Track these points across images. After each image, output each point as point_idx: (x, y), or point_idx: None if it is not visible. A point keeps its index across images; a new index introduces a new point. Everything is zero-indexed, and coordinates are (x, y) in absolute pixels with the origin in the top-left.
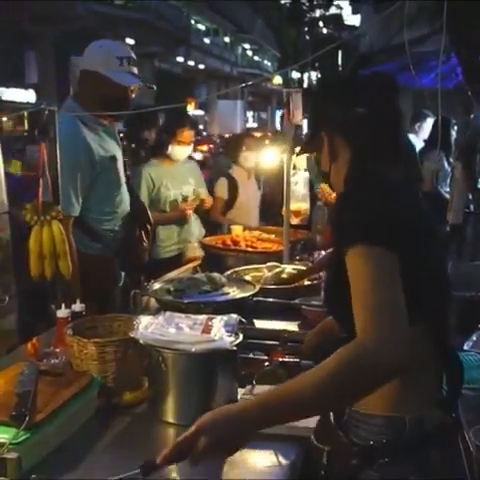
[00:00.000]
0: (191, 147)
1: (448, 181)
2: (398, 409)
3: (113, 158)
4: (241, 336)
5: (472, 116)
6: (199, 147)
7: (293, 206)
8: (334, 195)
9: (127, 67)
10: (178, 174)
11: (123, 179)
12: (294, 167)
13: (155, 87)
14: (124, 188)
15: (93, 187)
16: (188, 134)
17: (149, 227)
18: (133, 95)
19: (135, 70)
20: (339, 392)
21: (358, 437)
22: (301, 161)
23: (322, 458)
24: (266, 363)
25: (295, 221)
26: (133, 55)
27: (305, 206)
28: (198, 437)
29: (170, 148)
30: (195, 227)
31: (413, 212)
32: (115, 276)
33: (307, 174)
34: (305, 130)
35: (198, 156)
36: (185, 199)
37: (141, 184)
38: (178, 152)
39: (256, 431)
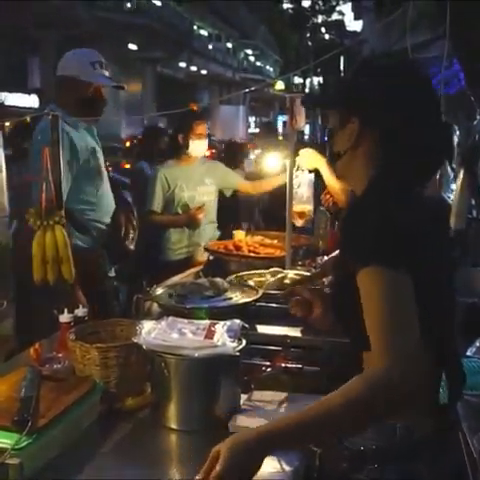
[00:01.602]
0: (207, 141)
1: (451, 186)
2: (390, 416)
3: (94, 150)
4: (244, 341)
5: (475, 122)
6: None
7: (297, 208)
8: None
9: (99, 70)
10: (194, 175)
11: (104, 173)
12: (298, 168)
13: (125, 87)
14: (107, 184)
15: (75, 178)
16: (204, 126)
17: (134, 221)
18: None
19: (107, 73)
20: (356, 418)
21: (350, 442)
22: (304, 162)
23: (315, 460)
24: (268, 369)
25: (300, 223)
26: (103, 60)
27: (309, 208)
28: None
29: (190, 143)
30: (209, 231)
31: (422, 219)
32: (104, 267)
33: (312, 176)
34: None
35: None
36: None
37: (156, 186)
38: (197, 147)
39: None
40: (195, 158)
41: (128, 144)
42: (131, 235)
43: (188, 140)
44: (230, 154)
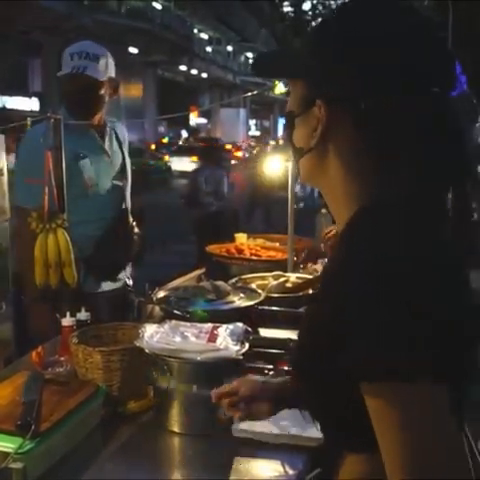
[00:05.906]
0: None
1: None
2: None
3: (86, 163)
4: (247, 345)
5: (478, 124)
6: None
7: None
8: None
9: (77, 61)
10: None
11: (107, 184)
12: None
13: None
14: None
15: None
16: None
17: (135, 228)
18: (102, 91)
19: (88, 63)
20: None
21: None
22: None
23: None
24: (271, 372)
25: None
26: (88, 50)
27: None
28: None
29: None
30: None
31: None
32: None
33: None
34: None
35: None
36: None
37: None
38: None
39: None
40: None
41: None
42: (135, 246)
43: None
44: None
